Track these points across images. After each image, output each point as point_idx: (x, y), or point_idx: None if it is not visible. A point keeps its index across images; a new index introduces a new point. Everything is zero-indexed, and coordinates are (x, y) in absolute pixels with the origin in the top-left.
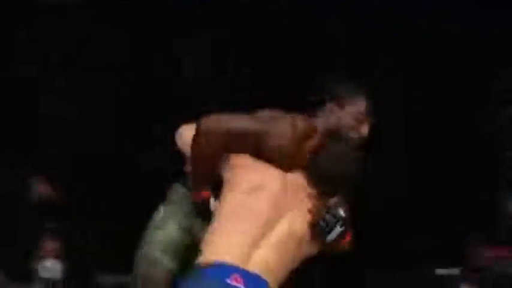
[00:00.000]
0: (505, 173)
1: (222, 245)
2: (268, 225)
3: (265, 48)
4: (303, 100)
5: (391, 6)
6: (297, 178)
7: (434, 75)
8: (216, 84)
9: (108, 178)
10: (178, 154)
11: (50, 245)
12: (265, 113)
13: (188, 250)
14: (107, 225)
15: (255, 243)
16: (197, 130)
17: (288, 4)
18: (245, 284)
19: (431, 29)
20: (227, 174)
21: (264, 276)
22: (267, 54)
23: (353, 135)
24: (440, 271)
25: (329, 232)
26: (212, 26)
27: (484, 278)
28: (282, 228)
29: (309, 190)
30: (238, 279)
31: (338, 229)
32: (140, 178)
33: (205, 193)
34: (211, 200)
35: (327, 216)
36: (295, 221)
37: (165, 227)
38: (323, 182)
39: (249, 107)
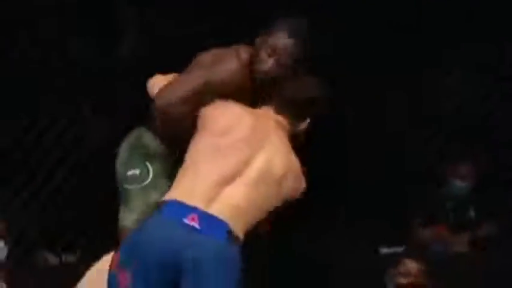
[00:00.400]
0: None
1: (187, 185)
2: (241, 165)
3: None
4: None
5: None
6: (266, 112)
7: None
8: None
9: None
10: None
11: None
12: (207, 56)
13: None
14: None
15: (226, 183)
16: (155, 111)
17: None
18: (200, 224)
19: None
20: (198, 124)
21: (229, 217)
22: None
23: (258, 67)
24: (383, 250)
25: None
26: None
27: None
28: (258, 165)
29: (280, 119)
30: (195, 218)
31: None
32: None
33: None
34: None
35: None
36: (274, 157)
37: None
38: (291, 107)
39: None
